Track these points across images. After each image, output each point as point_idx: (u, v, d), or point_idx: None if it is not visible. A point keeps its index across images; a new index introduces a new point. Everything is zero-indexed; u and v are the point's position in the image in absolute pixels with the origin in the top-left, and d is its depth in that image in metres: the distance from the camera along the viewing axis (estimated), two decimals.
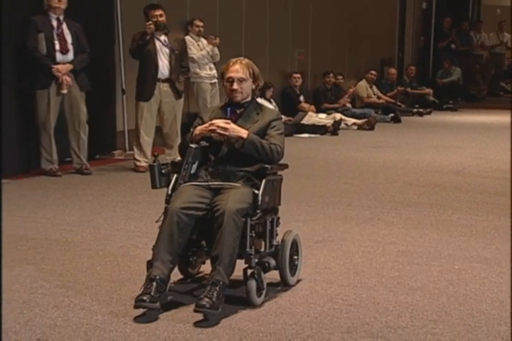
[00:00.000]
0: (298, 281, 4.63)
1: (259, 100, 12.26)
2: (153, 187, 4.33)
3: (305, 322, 3.95)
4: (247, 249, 4.16)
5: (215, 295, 3.88)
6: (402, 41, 19.35)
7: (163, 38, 8.65)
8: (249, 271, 4.12)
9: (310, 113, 13.11)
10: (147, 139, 8.67)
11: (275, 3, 13.37)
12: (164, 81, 8.55)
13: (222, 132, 4.24)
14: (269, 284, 4.36)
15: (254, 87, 4.44)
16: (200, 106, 10.78)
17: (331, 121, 12.82)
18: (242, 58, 4.48)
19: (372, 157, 10.12)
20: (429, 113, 16.60)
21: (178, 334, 3.79)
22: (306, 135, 12.24)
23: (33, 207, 6.75)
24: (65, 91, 8.18)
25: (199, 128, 4.35)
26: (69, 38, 8.25)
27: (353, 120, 13.67)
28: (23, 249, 5.32)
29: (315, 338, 3.74)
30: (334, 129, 12.57)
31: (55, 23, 8.17)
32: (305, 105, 13.42)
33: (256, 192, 4.22)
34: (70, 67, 8.15)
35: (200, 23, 10.83)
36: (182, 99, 8.83)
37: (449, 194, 7.56)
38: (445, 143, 11.56)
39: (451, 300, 4.37)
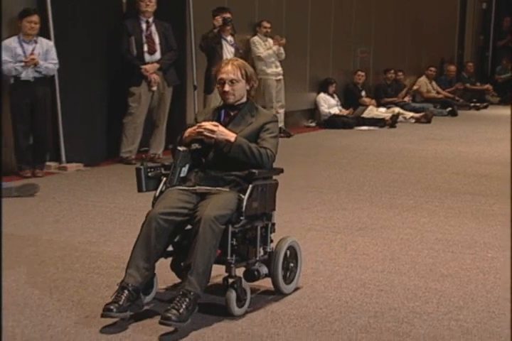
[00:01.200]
0: (334, 267, 4.49)
1: (322, 95, 12.27)
2: (139, 190, 3.84)
3: (335, 306, 3.81)
4: (228, 257, 3.62)
5: (183, 306, 3.36)
6: (462, 40, 18.87)
7: (229, 38, 8.61)
8: (230, 280, 3.64)
9: (371, 107, 12.90)
10: None
11: (339, 4, 13.14)
12: None
13: (209, 135, 3.72)
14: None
15: (248, 88, 3.90)
16: (266, 101, 10.71)
17: (390, 115, 12.61)
18: (235, 58, 4.03)
19: (425, 148, 9.88)
20: (485, 107, 16.20)
21: None
22: (365, 127, 12.03)
23: (105, 192, 6.78)
24: (154, 88, 8.36)
25: (188, 130, 3.83)
26: (157, 39, 8.38)
27: (411, 113, 13.40)
28: (89, 231, 5.34)
29: (342, 321, 3.60)
30: (392, 122, 12.34)
31: (144, 26, 8.32)
32: (366, 99, 13.21)
33: (242, 197, 3.67)
34: (156, 66, 8.29)
35: (268, 25, 10.74)
36: None
37: (493, 184, 7.30)
38: (497, 136, 11.17)
39: (480, 287, 4.18)
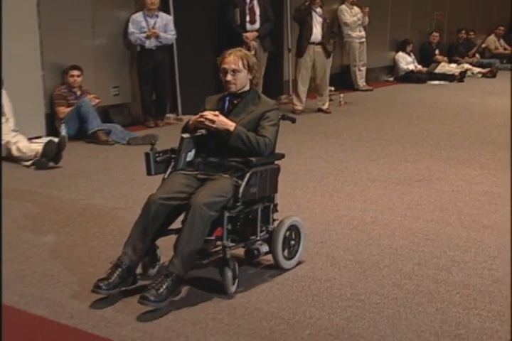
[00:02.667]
0: (391, 216, 4.37)
1: (400, 54, 11.81)
2: (148, 173, 3.47)
3: (386, 254, 3.73)
4: (224, 241, 3.22)
5: (163, 287, 3.01)
6: None
7: (318, 9, 8.32)
8: (226, 261, 3.21)
9: (442, 63, 12.34)
10: (303, 88, 8.48)
11: None
12: (317, 44, 8.30)
13: (209, 124, 3.32)
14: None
15: (250, 77, 3.44)
16: (350, 60, 10.43)
17: (459, 70, 12.05)
18: (238, 49, 3.51)
19: (487, 102, 9.42)
20: None
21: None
22: (436, 82, 11.55)
23: None
24: (252, 52, 8.19)
25: (193, 118, 3.42)
26: (257, 11, 8.19)
27: (478, 69, 12.76)
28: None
29: (390, 268, 3.52)
30: (461, 77, 11.80)
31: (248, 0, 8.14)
32: (439, 57, 12.62)
33: (239, 183, 3.25)
34: (255, 34, 8.13)
35: None
36: (331, 58, 8.51)
37: None
38: None
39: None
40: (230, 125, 3.33)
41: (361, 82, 10.62)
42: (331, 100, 8.84)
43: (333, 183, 5.17)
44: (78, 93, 6.95)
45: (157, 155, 3.47)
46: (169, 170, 3.44)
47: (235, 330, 2.86)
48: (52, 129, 6.76)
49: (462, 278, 3.42)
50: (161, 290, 3.00)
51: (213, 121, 3.32)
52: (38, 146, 5.89)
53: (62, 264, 3.59)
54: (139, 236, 3.21)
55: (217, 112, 3.37)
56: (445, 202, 4.74)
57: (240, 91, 3.47)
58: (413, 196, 4.88)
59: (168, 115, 7.97)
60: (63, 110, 6.81)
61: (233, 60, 3.40)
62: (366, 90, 10.49)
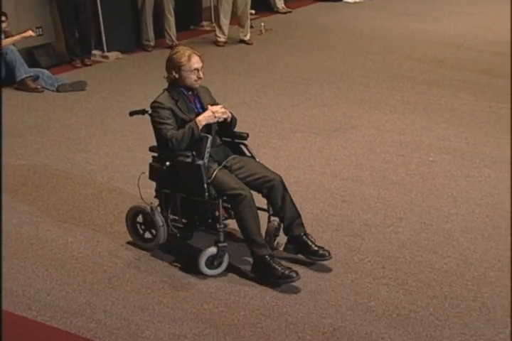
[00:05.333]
0: (311, 175, 4.57)
1: None
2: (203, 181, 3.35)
3: (308, 219, 3.91)
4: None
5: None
6: None
7: None
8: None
9: None
10: (225, 21, 8.35)
11: None
12: None
13: (224, 116, 3.47)
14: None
15: None
16: None
17: None
18: (192, 48, 3.53)
19: (397, 26, 9.48)
20: None
21: None
22: (351, 0, 11.49)
23: (139, 84, 6.78)
24: None
25: (204, 119, 3.40)
26: None
27: None
28: (127, 134, 5.47)
29: (313, 236, 3.66)
30: None
31: None
32: None
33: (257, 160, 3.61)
34: None
35: None
36: None
37: (445, 73, 7.17)
38: (457, 9, 10.64)
39: (418, 195, 4.32)
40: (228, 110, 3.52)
41: (280, 4, 10.48)
42: (251, 27, 8.76)
43: (258, 136, 5.32)
44: (2, 37, 6.67)
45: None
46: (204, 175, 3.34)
47: (179, 315, 3.13)
48: None
49: (373, 244, 3.75)
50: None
51: (226, 112, 3.47)
52: None
53: (12, 247, 3.72)
54: (259, 230, 3.36)
55: (220, 105, 3.49)
56: (359, 155, 4.99)
57: None
58: (331, 149, 5.12)
59: (93, 52, 7.78)
60: None
61: (198, 59, 3.47)
62: (285, 12, 10.34)
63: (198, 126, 3.39)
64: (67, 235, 3.84)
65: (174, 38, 8.23)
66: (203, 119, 3.42)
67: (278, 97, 6.38)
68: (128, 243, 3.74)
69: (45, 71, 6.82)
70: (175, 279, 3.40)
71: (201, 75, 3.49)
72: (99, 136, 5.42)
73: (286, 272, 3.28)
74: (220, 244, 3.41)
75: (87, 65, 7.50)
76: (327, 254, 3.46)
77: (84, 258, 3.60)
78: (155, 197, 3.65)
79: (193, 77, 3.46)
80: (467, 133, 5.38)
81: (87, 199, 4.29)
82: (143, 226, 3.70)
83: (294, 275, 3.28)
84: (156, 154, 3.56)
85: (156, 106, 3.44)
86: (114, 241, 3.77)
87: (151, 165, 3.57)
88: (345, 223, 3.98)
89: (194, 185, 3.34)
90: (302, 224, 3.55)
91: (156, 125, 3.43)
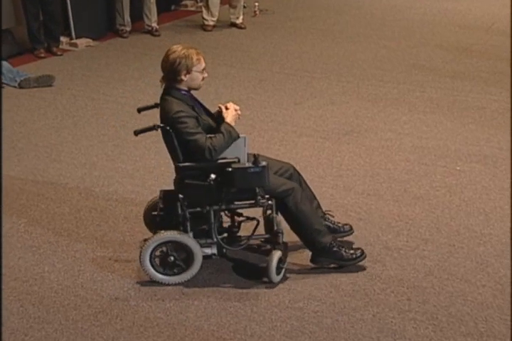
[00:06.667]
0: (322, 188, 4.64)
1: None
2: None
3: None
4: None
5: None
6: None
7: None
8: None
9: None
10: (215, 1, 8.45)
11: None
12: None
13: (239, 112, 3.80)
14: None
15: None
16: None
17: None
18: (191, 45, 3.70)
19: (413, 6, 9.65)
20: None
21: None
22: None
23: (116, 80, 6.84)
24: None
25: (232, 119, 3.67)
26: None
27: None
28: (104, 140, 5.56)
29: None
30: None
31: None
32: None
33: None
34: None
35: None
36: None
37: (471, 62, 7.31)
38: None
39: (445, 212, 4.43)
40: None
41: None
42: (244, 7, 8.85)
43: (257, 141, 5.42)
44: None
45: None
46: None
47: None
48: None
49: (396, 271, 3.86)
50: None
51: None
52: None
53: None
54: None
55: (231, 102, 3.80)
56: (375, 164, 5.11)
57: None
58: (342, 157, 5.22)
59: (61, 39, 7.84)
60: None
61: (203, 58, 3.66)
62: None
63: (234, 128, 3.61)
64: (43, 263, 3.92)
65: (155, 22, 8.31)
66: (232, 120, 3.66)
67: (278, 94, 6.49)
68: (114, 272, 3.83)
69: (5, 63, 6.87)
70: (171, 315, 3.50)
71: (206, 74, 3.69)
72: (73, 142, 5.50)
73: (354, 253, 3.85)
74: (278, 246, 3.78)
75: (53, 55, 7.57)
76: (349, 228, 4.10)
77: (64, 290, 3.68)
78: (181, 219, 3.71)
79: (201, 77, 3.66)
80: (499, 137, 5.51)
81: (63, 220, 4.37)
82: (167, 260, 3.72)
83: (360, 254, 3.86)
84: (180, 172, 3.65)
85: (181, 116, 3.54)
86: (98, 269, 3.86)
87: (187, 184, 3.62)
88: (363, 246, 4.07)
89: (249, 190, 3.62)
90: (320, 205, 4.08)
91: (187, 137, 3.54)
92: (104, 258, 3.95)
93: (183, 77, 3.60)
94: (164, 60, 3.62)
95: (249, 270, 3.87)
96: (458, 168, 5.03)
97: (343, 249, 3.82)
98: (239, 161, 3.61)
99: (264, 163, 3.56)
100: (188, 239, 3.69)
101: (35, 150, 5.35)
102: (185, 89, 3.66)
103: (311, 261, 3.85)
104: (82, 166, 5.08)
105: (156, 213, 3.80)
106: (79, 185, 4.80)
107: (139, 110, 3.90)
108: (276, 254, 3.72)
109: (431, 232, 4.23)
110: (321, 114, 6.03)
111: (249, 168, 3.55)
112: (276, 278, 3.74)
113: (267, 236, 3.92)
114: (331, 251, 3.79)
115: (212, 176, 3.54)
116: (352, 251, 3.84)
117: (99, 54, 7.70)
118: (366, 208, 4.51)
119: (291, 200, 3.71)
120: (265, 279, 3.74)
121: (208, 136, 3.58)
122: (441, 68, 7.14)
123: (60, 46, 7.78)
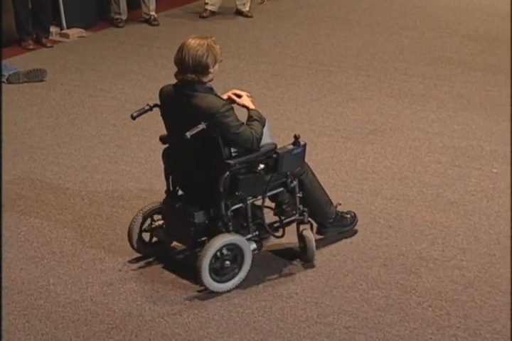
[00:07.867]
0: (346, 193, 4.77)
1: None
2: None
3: (347, 251, 4.15)
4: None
5: None
6: None
7: None
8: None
9: None
10: None
11: None
12: None
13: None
14: None
15: None
16: None
17: None
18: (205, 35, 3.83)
19: None
20: None
21: None
22: None
23: (113, 75, 6.93)
24: None
25: (251, 103, 3.94)
26: None
27: None
28: (105, 141, 5.63)
29: (355, 274, 3.95)
30: None
31: None
32: None
33: None
34: None
35: None
36: None
37: (503, 54, 7.40)
38: None
39: (483, 219, 4.52)
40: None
41: None
42: None
43: None
44: None
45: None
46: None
47: None
48: None
49: (433, 283, 3.94)
50: None
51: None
52: None
53: None
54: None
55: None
56: (403, 166, 5.19)
57: None
58: (367, 158, 5.31)
59: (51, 29, 7.91)
60: None
61: None
62: None
63: (260, 113, 3.89)
64: (47, 275, 3.99)
65: (153, 10, 8.40)
66: (252, 105, 3.93)
67: (293, 89, 6.58)
68: (125, 285, 3.90)
69: None
70: (190, 331, 3.57)
71: None
72: (71, 142, 5.58)
73: (351, 215, 4.37)
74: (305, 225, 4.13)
75: (42, 46, 7.65)
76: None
77: (72, 304, 3.76)
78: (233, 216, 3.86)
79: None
80: None
81: (66, 228, 4.45)
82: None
83: (353, 214, 4.39)
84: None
85: (227, 109, 3.68)
86: (108, 282, 3.93)
87: (242, 179, 3.76)
88: (395, 256, 4.17)
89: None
90: None
91: (235, 130, 3.70)
92: (114, 269, 4.03)
93: (211, 70, 3.70)
94: (185, 56, 3.64)
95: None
96: (494, 171, 5.12)
97: (345, 214, 4.34)
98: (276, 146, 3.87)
99: (303, 142, 3.87)
100: (239, 239, 3.87)
101: (30, 151, 5.43)
102: (207, 82, 3.75)
103: (320, 233, 4.26)
104: (82, 169, 5.16)
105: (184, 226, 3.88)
106: (81, 190, 4.88)
107: (134, 117, 3.91)
108: (311, 233, 4.07)
109: (468, 241, 4.32)
110: (341, 111, 6.11)
111: (293, 149, 3.84)
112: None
113: (297, 217, 4.10)
114: (340, 217, 4.29)
115: (261, 166, 3.78)
116: (348, 215, 4.37)
117: (93, 45, 7.78)
118: (396, 214, 4.60)
119: (307, 177, 4.08)
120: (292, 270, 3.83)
121: (248, 125, 3.79)
122: (471, 60, 7.24)
123: (50, 37, 7.87)
